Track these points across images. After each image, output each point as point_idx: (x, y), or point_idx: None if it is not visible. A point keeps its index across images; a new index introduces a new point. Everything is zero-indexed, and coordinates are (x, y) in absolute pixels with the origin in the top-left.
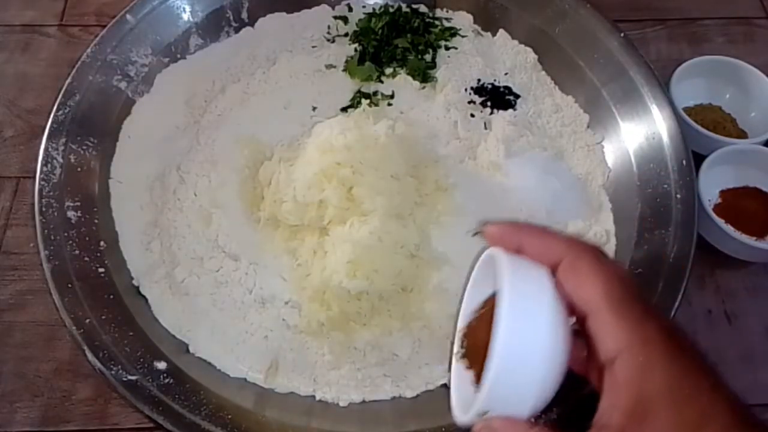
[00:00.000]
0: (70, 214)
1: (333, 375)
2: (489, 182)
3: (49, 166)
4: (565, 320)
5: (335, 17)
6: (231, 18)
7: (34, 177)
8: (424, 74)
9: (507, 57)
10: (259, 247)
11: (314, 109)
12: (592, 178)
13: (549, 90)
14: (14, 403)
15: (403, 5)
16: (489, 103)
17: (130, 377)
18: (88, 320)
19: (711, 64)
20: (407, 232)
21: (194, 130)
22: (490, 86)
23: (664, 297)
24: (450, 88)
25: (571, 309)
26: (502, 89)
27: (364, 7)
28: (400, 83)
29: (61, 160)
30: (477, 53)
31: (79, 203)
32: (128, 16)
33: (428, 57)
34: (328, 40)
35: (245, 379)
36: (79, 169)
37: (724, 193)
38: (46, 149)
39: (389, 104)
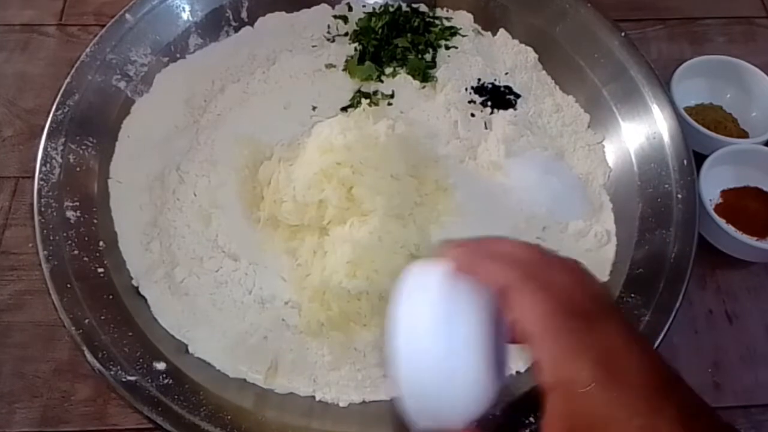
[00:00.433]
0: (69, 214)
1: (333, 375)
2: (489, 182)
3: (48, 165)
4: (491, 339)
5: (335, 17)
6: (230, 17)
7: (33, 177)
8: (424, 74)
9: (507, 56)
10: (258, 247)
11: (314, 108)
12: (593, 178)
13: (549, 90)
14: (13, 403)
15: (403, 5)
16: (489, 103)
17: (129, 378)
18: (87, 320)
19: (712, 63)
20: (407, 232)
21: (194, 130)
22: (490, 86)
23: (665, 297)
24: (450, 88)
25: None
26: (502, 89)
27: (364, 6)
28: (400, 83)
29: (60, 160)
30: (477, 53)
31: (78, 203)
32: (127, 16)
33: (428, 56)
34: (328, 40)
35: (245, 380)
36: (78, 169)
37: (725, 193)
38: (45, 149)
39: (389, 104)
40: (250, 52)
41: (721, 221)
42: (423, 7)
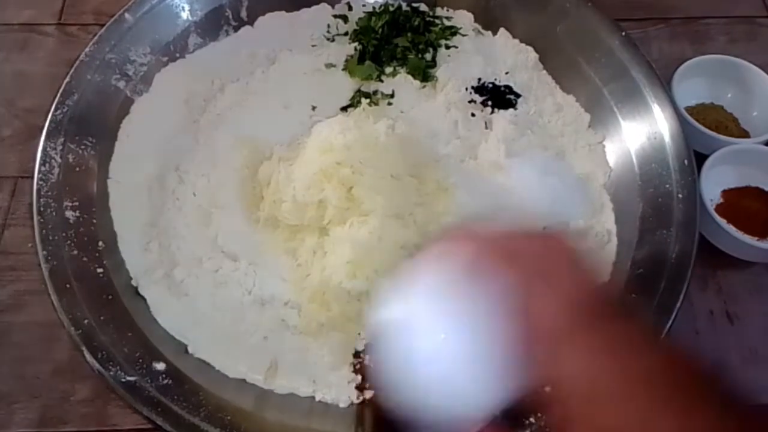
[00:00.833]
0: (69, 214)
1: (333, 376)
2: (490, 182)
3: (47, 165)
4: (503, 338)
5: (335, 16)
6: (230, 17)
7: (32, 177)
8: (424, 73)
9: (508, 56)
10: (258, 248)
11: (314, 108)
12: (594, 178)
13: (550, 89)
14: (13, 404)
15: (404, 4)
16: (490, 103)
17: (128, 378)
18: (86, 321)
19: (713, 63)
20: (407, 232)
21: (193, 130)
22: (490, 85)
23: (665, 297)
24: (450, 88)
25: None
26: (502, 88)
27: (364, 5)
28: (401, 82)
29: (59, 160)
30: (477, 52)
31: (77, 203)
32: (127, 15)
33: (428, 56)
34: (328, 39)
35: (244, 380)
36: (77, 169)
37: (725, 193)
38: (45, 149)
39: (389, 103)
40: (249, 52)
41: (722, 221)
42: (423, 7)
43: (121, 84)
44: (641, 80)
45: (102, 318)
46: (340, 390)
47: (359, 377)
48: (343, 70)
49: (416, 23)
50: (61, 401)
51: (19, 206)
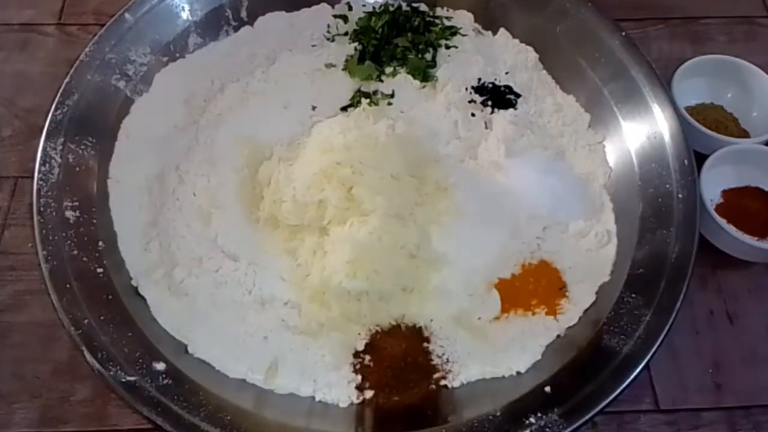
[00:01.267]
0: (69, 214)
1: (333, 376)
2: (490, 182)
3: (47, 165)
4: None
5: (335, 16)
6: (230, 17)
7: (32, 177)
8: (424, 73)
9: (508, 56)
10: (258, 248)
11: (314, 108)
12: (594, 178)
13: (550, 89)
14: (13, 404)
15: (404, 4)
16: (490, 103)
17: (128, 378)
18: (86, 321)
19: (713, 63)
20: (407, 232)
21: (193, 130)
22: (490, 85)
23: (665, 297)
24: (450, 88)
25: None
26: (502, 88)
27: (364, 5)
28: (401, 82)
29: (59, 160)
30: (477, 52)
31: (77, 203)
32: (127, 15)
33: (428, 56)
34: (328, 39)
35: (245, 380)
36: (77, 169)
37: (725, 193)
38: (45, 149)
39: (389, 104)
40: (249, 52)
41: (722, 221)
42: (423, 7)
43: (121, 84)
44: (641, 80)
45: (102, 318)
46: (340, 390)
47: (359, 377)
48: (343, 70)
49: (416, 23)
50: (61, 401)
51: (19, 206)
